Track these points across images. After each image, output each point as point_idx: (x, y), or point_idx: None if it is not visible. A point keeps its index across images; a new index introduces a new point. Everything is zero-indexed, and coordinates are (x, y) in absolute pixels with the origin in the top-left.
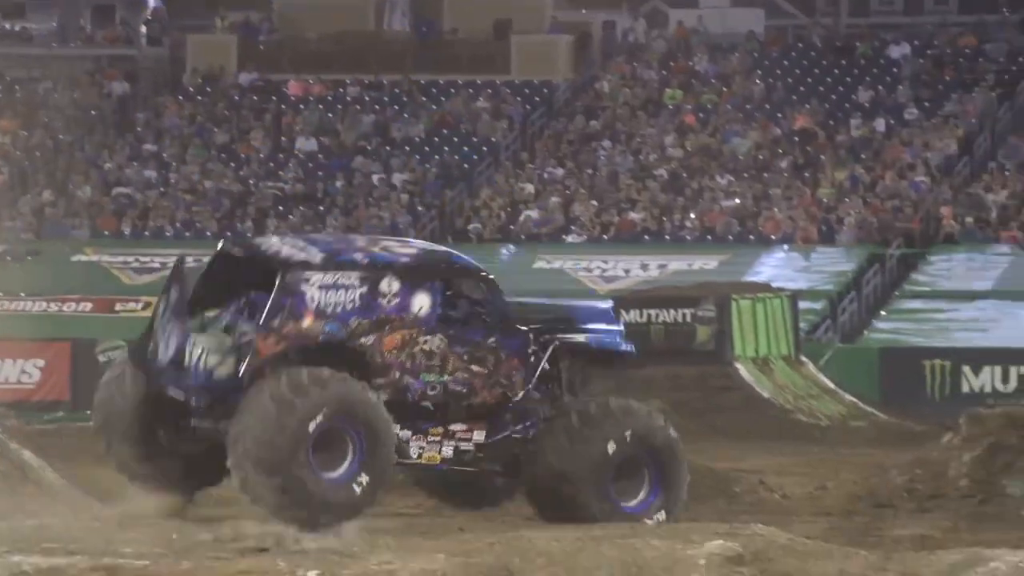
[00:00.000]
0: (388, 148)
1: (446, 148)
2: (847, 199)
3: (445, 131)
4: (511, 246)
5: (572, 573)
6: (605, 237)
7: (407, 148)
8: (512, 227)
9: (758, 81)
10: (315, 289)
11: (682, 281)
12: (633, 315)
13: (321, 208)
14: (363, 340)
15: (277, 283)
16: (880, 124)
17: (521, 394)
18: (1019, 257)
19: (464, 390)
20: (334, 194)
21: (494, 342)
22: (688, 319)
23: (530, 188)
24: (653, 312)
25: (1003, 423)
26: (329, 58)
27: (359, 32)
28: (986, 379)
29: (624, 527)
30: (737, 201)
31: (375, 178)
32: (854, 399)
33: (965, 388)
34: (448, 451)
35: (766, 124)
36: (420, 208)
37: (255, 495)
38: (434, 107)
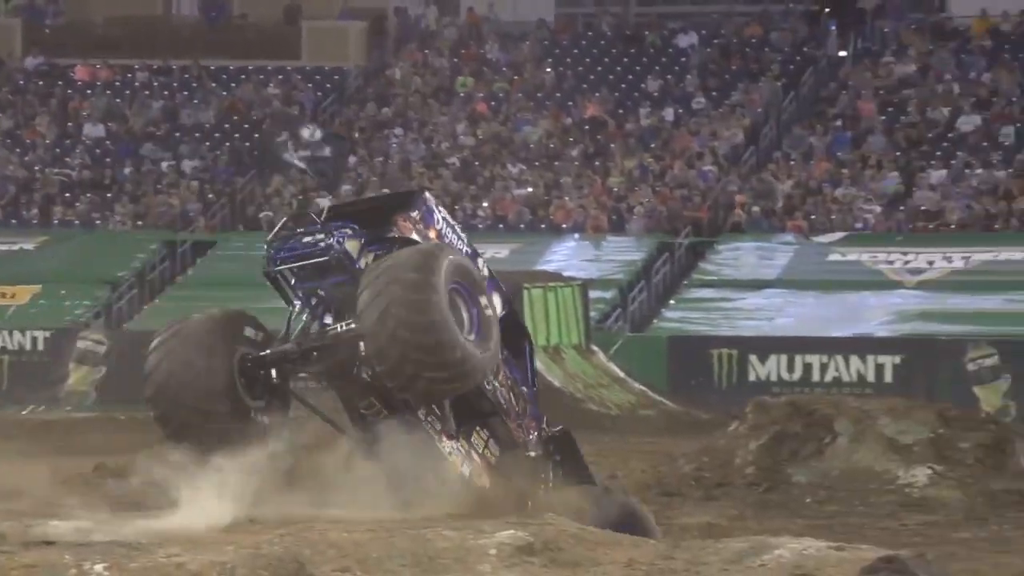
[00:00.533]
0: (177, 134)
1: (237, 135)
2: (637, 188)
3: (235, 117)
4: None
5: (363, 564)
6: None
7: (197, 134)
8: None
9: (549, 69)
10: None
11: None
12: None
13: (109, 195)
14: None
15: None
16: (669, 113)
17: None
18: (804, 246)
19: None
20: (122, 181)
21: None
22: None
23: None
24: None
25: (788, 411)
26: (117, 42)
27: (147, 16)
28: (772, 368)
29: (417, 518)
30: (529, 190)
31: (164, 165)
32: (643, 388)
33: (752, 376)
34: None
35: (557, 113)
36: (211, 196)
37: (408, 367)
38: (224, 93)
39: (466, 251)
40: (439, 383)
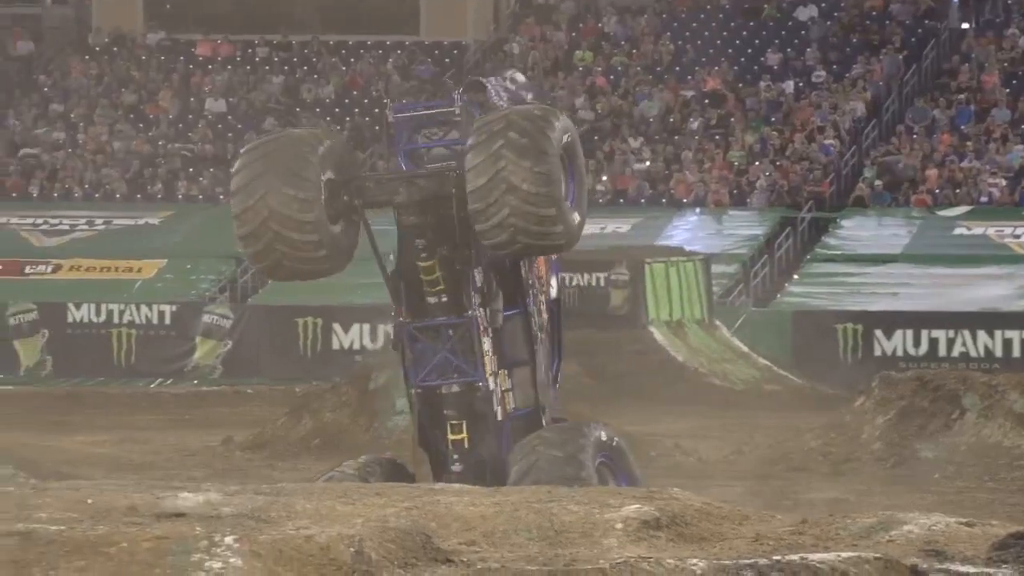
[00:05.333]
0: (298, 109)
1: (356, 109)
2: (757, 162)
3: (355, 92)
4: None
5: (489, 537)
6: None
7: (317, 110)
8: None
9: (667, 43)
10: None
11: (595, 245)
12: None
13: (231, 170)
14: None
15: None
16: (789, 86)
17: None
18: (928, 220)
19: None
20: None
21: None
22: (602, 283)
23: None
24: (566, 276)
25: (915, 386)
26: (238, 18)
27: None
28: (897, 342)
29: (542, 492)
30: (648, 164)
31: None
32: (768, 363)
33: (877, 351)
34: None
35: (676, 86)
36: None
37: (507, 232)
38: (343, 68)
39: None
40: (533, 249)
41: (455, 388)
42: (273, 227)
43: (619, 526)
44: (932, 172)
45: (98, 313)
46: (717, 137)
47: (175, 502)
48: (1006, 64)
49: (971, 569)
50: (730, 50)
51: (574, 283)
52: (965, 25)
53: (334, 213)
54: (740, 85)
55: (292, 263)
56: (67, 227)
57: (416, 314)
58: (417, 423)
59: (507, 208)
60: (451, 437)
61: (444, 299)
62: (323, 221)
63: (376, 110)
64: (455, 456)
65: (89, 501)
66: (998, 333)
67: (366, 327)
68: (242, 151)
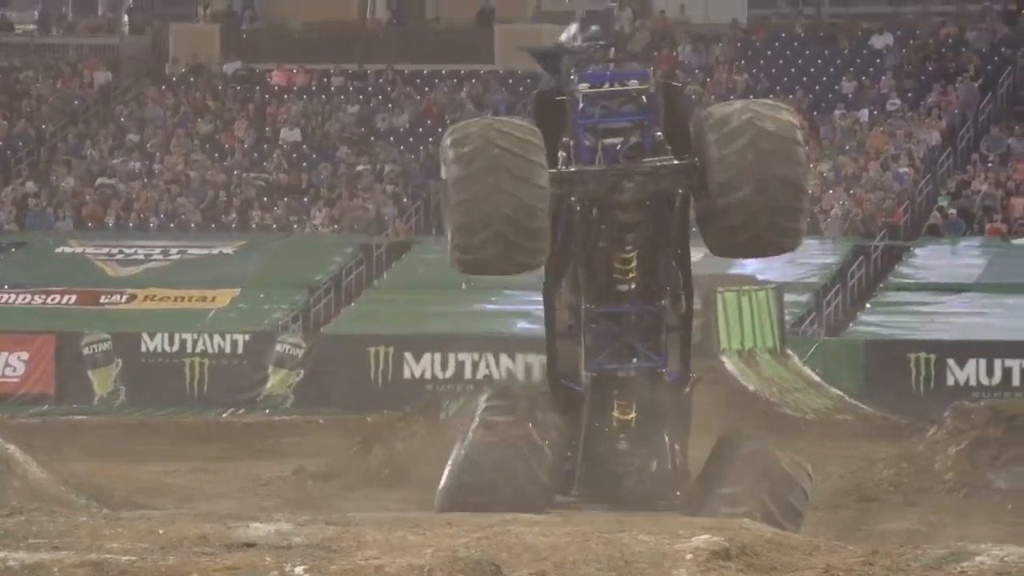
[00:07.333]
0: (372, 138)
1: (431, 138)
2: (831, 190)
3: (429, 121)
4: None
5: (559, 568)
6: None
7: (391, 139)
8: None
9: (742, 72)
10: None
11: None
12: None
13: (306, 199)
14: None
15: None
16: (863, 115)
17: None
18: (1003, 249)
19: None
20: (318, 185)
21: None
22: None
23: None
24: None
25: (988, 416)
26: (312, 47)
27: (342, 21)
28: (971, 372)
29: (612, 521)
30: None
31: (360, 169)
32: (840, 392)
33: (950, 381)
34: None
35: None
36: (405, 199)
37: (760, 223)
38: (418, 97)
39: None
40: (770, 247)
41: (632, 373)
42: (503, 232)
43: (689, 556)
44: (1019, 201)
45: (171, 343)
46: None
47: (246, 532)
48: None
49: None
50: (805, 78)
51: None
52: None
53: (551, 207)
54: (815, 113)
55: (511, 261)
56: (142, 257)
57: (600, 300)
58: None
59: (761, 197)
60: (619, 417)
61: (634, 287)
62: (547, 225)
63: None
64: (621, 435)
65: (160, 531)
66: None
67: (437, 356)
68: (455, 140)
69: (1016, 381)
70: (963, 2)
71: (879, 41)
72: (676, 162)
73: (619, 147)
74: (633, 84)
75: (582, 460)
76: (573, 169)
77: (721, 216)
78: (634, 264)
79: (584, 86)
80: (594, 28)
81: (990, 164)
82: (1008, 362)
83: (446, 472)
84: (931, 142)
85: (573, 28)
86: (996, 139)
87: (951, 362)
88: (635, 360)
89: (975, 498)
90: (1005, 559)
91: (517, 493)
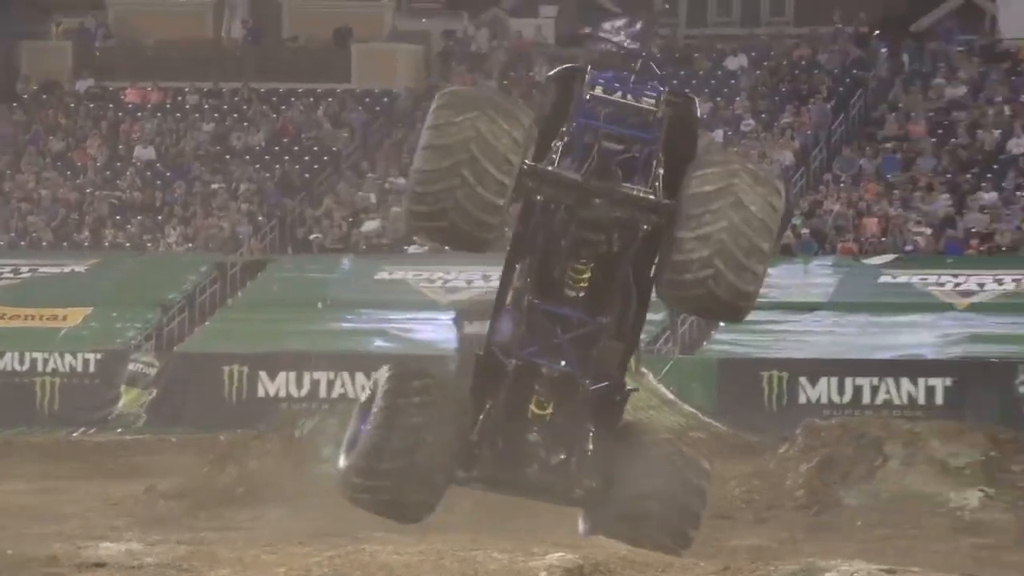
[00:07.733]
0: (228, 157)
1: (286, 157)
2: None
3: (285, 140)
4: (352, 256)
5: None
6: (447, 248)
7: (247, 157)
8: (353, 237)
9: None
10: None
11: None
12: (477, 326)
13: (160, 217)
14: None
15: None
16: (718, 135)
17: None
18: (855, 268)
19: None
20: (173, 203)
21: None
22: None
23: (372, 198)
24: None
25: (839, 434)
26: (167, 65)
27: (198, 39)
28: (822, 390)
29: (466, 540)
30: None
31: (214, 187)
32: (693, 410)
33: (802, 399)
34: None
35: None
36: (260, 218)
37: (706, 285)
38: (274, 115)
39: None
40: (720, 306)
41: (556, 374)
42: (473, 151)
43: (543, 574)
44: (870, 220)
45: (22, 361)
46: None
47: (96, 552)
48: (932, 114)
49: None
50: None
51: None
52: (892, 75)
53: (516, 194)
54: None
55: (464, 212)
56: None
57: (545, 297)
58: (477, 383)
59: (724, 221)
60: (535, 411)
61: (582, 295)
62: (512, 183)
63: (306, 157)
64: (534, 428)
65: (9, 552)
66: (921, 381)
67: (292, 375)
68: (444, 93)
69: (867, 399)
70: (815, 24)
71: (733, 62)
72: (651, 197)
73: (613, 155)
74: (646, 102)
75: (487, 440)
76: (550, 168)
77: (676, 265)
78: (587, 276)
79: (599, 89)
80: (640, 25)
81: (842, 184)
82: (859, 380)
83: (344, 452)
84: (784, 162)
85: (620, 21)
86: (848, 160)
87: (803, 380)
88: (563, 363)
89: (826, 515)
90: (854, 574)
91: (420, 470)
